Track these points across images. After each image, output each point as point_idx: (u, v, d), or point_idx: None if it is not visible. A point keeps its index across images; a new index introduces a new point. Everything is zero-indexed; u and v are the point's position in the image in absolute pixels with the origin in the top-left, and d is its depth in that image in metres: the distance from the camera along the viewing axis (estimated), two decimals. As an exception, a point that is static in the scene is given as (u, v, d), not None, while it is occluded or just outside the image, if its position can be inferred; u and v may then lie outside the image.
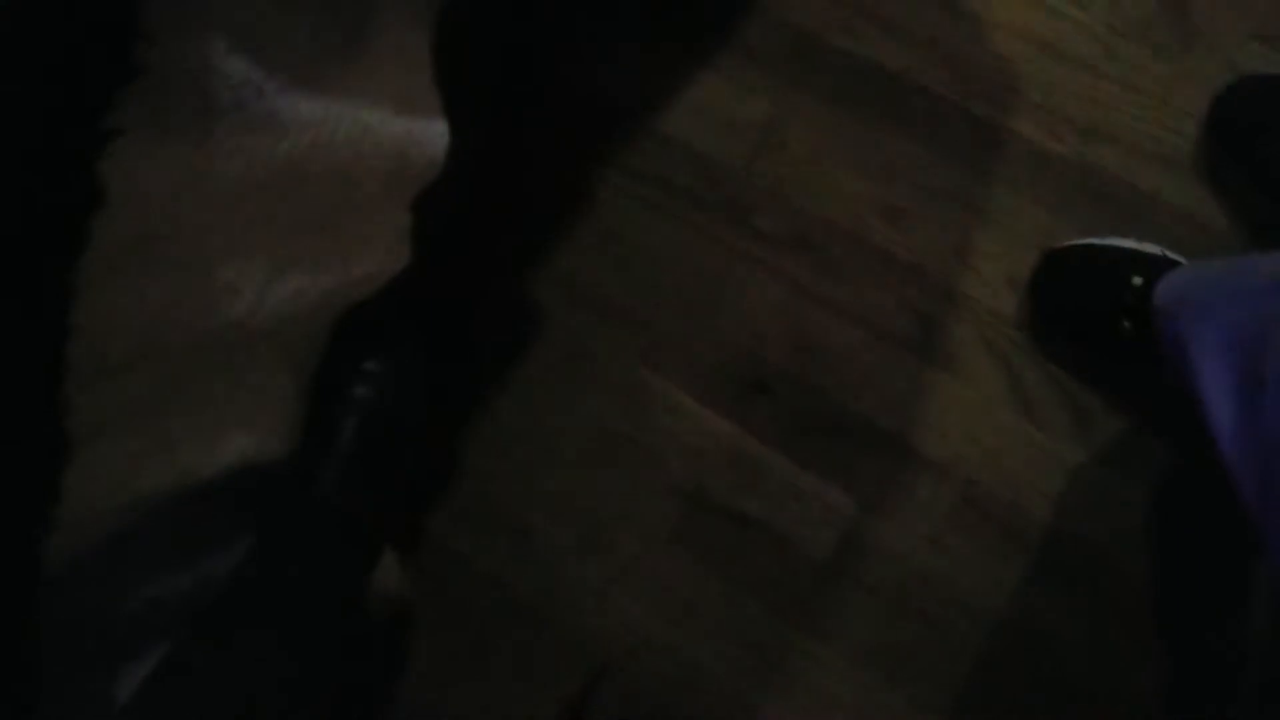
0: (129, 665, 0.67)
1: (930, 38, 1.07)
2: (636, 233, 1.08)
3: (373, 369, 0.76)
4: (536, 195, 1.10)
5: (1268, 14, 1.02)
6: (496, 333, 1.07)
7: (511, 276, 1.08)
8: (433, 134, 0.74)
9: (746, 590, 0.99)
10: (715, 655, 0.98)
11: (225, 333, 0.63)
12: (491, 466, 1.04)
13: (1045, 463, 0.96)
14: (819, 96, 1.08)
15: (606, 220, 1.09)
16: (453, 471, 1.04)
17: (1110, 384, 0.96)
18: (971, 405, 0.99)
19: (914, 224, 1.03)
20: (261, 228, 0.64)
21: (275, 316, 0.65)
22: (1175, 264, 0.91)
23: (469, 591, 1.02)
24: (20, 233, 0.52)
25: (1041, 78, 1.04)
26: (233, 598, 0.65)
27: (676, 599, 1.00)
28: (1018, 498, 0.96)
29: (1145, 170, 1.01)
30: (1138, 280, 0.90)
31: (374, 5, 0.70)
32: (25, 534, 0.54)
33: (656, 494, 1.02)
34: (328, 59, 0.66)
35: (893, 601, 0.96)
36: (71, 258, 0.54)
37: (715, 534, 1.00)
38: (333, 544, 0.71)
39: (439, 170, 0.76)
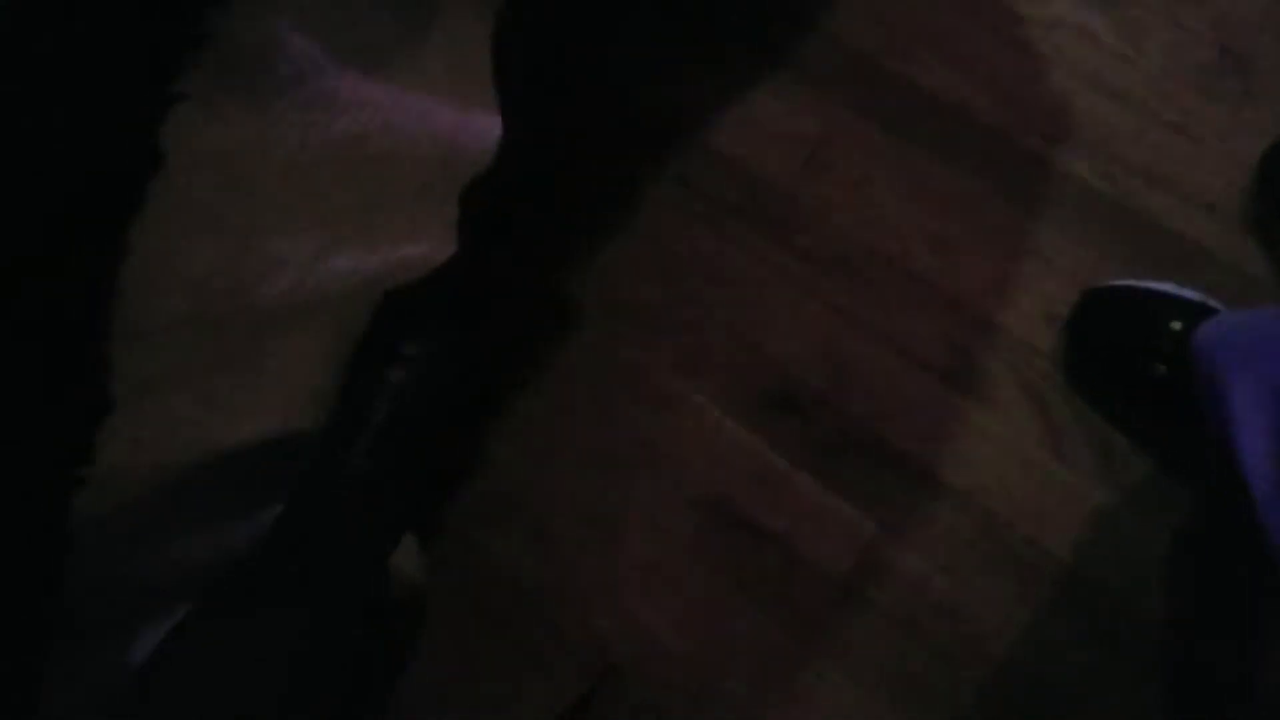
0: (146, 629, 0.68)
1: (988, 70, 1.07)
2: (680, 243, 1.08)
3: (409, 353, 0.77)
4: (584, 198, 1.11)
5: (1328, 71, 1.01)
6: (533, 330, 1.08)
7: (553, 276, 1.09)
8: (486, 126, 0.75)
9: (760, 604, 0.99)
10: (723, 666, 0.98)
11: (269, 304, 0.64)
12: (516, 461, 1.05)
13: (1069, 500, 0.96)
14: (871, 120, 1.09)
15: (652, 229, 1.09)
16: (477, 463, 1.05)
17: (1140, 427, 0.96)
18: (1000, 438, 0.98)
19: (957, 253, 1.03)
20: (313, 204, 0.65)
21: (319, 293, 0.66)
22: (1214, 311, 0.90)
23: (483, 582, 1.03)
24: (78, 190, 0.53)
25: (1096, 117, 1.04)
26: (254, 569, 0.66)
27: (690, 607, 1.00)
28: (1038, 533, 0.96)
29: (1192, 217, 1.00)
30: (1176, 325, 0.90)
31: None
32: (55, 490, 0.56)
33: (679, 501, 1.02)
34: (390, 44, 0.67)
35: (905, 628, 0.96)
36: (125, 218, 0.55)
37: (734, 546, 1.00)
38: (357, 522, 0.71)
39: (489, 163, 0.76)
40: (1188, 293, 0.94)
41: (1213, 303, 0.92)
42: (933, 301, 1.03)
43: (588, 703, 0.98)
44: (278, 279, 0.64)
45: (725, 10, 1.14)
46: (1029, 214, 1.03)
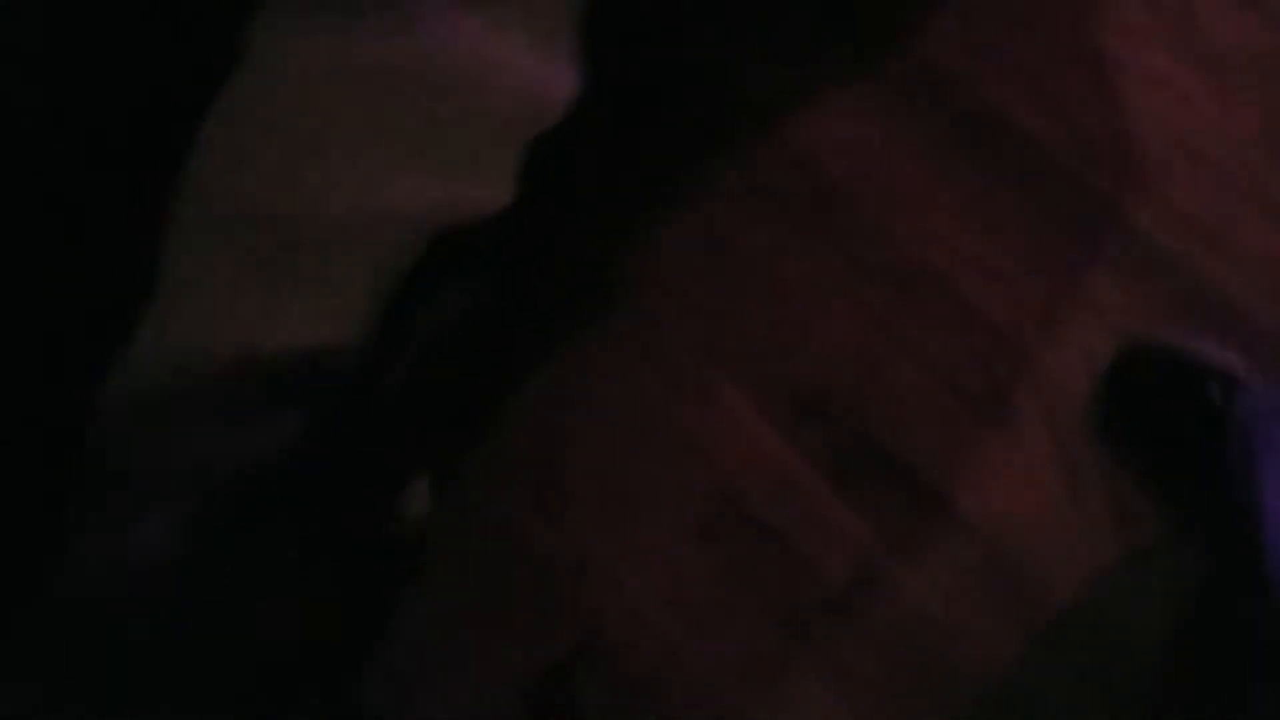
0: (156, 514, 0.69)
1: (1073, 110, 1.07)
2: (734, 232, 1.08)
3: (455, 291, 0.77)
4: (648, 173, 1.11)
5: None
6: (576, 297, 1.08)
7: (603, 246, 1.08)
8: (563, 82, 0.75)
9: (755, 601, 0.99)
10: (708, 654, 0.98)
11: (324, 219, 0.64)
12: (539, 424, 1.05)
13: (1078, 548, 0.95)
14: (946, 140, 1.08)
15: (709, 214, 1.09)
16: (501, 421, 1.05)
17: (1162, 486, 0.95)
18: (1018, 475, 0.98)
19: (1008, 284, 1.03)
20: (380, 125, 0.66)
21: (375, 216, 0.66)
22: (1253, 382, 0.90)
23: (487, 538, 1.03)
24: (157, 81, 0.54)
25: (1172, 174, 1.03)
26: (272, 477, 0.66)
27: (685, 592, 1.00)
28: (1043, 576, 0.95)
29: (1248, 286, 0.99)
30: (1214, 391, 0.89)
31: None
32: (90, 362, 0.56)
33: (691, 488, 1.02)
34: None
35: (894, 647, 0.95)
36: (198, 113, 0.56)
37: (738, 540, 1.00)
38: (376, 448, 0.72)
39: (559, 118, 0.76)
40: (1231, 361, 0.93)
41: (1253, 373, 0.92)
42: (975, 327, 1.02)
43: (567, 673, 0.99)
44: (336, 195, 0.65)
45: (825, 13, 1.13)
46: (1087, 257, 1.02)
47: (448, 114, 0.69)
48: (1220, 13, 1.07)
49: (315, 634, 0.79)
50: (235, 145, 0.58)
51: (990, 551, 0.96)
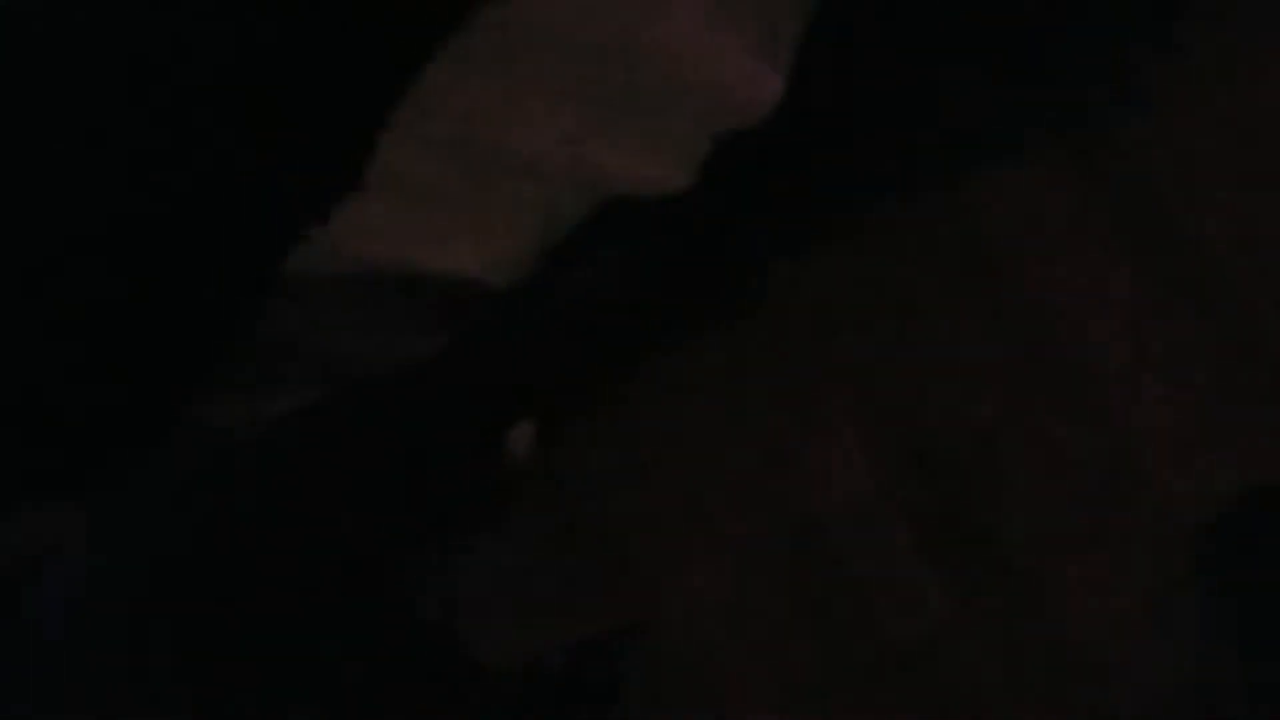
0: (284, 398, 0.72)
1: (1261, 231, 1.03)
2: (891, 276, 1.07)
3: (611, 258, 0.79)
4: (827, 196, 1.10)
5: None
6: (725, 292, 1.08)
7: (761, 256, 1.08)
8: (770, 86, 0.76)
9: (812, 634, 0.99)
10: (750, 676, 0.98)
11: (510, 160, 0.67)
12: (648, 404, 1.06)
13: (1148, 671, 0.93)
14: (1129, 235, 1.05)
15: (872, 247, 1.08)
16: (617, 393, 1.06)
17: (1254, 636, 0.92)
18: (1106, 584, 0.96)
19: (1152, 390, 1.00)
20: (581, 85, 0.68)
21: (561, 169, 0.69)
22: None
23: (571, 499, 1.05)
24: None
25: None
26: (403, 382, 0.69)
27: (743, 610, 1.00)
28: (1110, 685, 0.93)
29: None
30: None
31: None
32: (292, 229, 0.60)
33: (779, 505, 1.02)
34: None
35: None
36: (432, 39, 0.58)
37: (811, 570, 1.00)
38: (505, 378, 0.74)
39: (756, 120, 0.78)
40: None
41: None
42: (1106, 424, 1.00)
43: (610, 647, 1.00)
44: (526, 140, 0.67)
45: (1051, 79, 1.11)
46: (1237, 387, 0.99)
47: (650, 89, 0.70)
48: None
49: (394, 540, 0.82)
50: (458, 76, 0.60)
51: (1058, 650, 0.95)
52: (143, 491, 0.63)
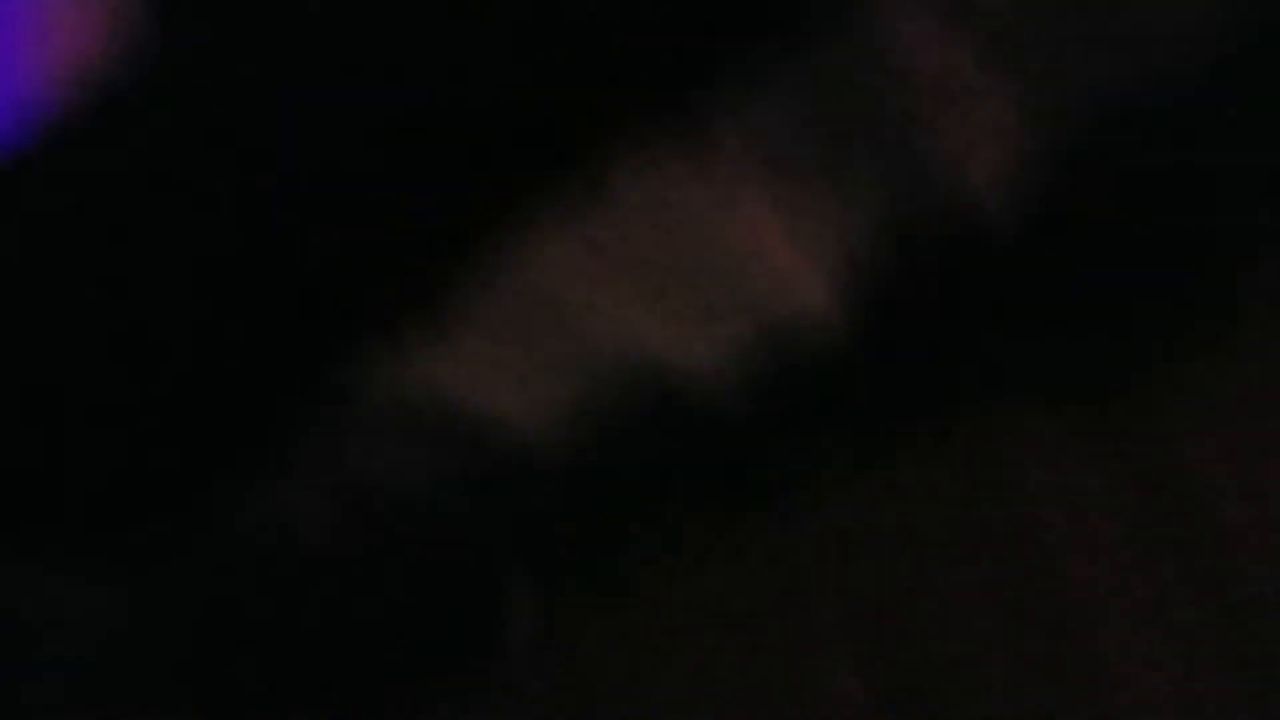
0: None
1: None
2: (918, 519, 1.05)
3: (643, 439, 0.81)
4: (862, 430, 1.09)
5: None
6: (744, 488, 1.08)
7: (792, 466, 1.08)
8: (820, 292, 0.80)
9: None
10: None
11: (576, 322, 0.70)
12: (645, 592, 1.04)
13: None
14: (1158, 532, 1.04)
15: (894, 483, 1.07)
16: (614, 581, 1.04)
17: None
18: None
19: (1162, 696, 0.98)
20: (653, 274, 0.71)
21: (616, 343, 0.71)
22: None
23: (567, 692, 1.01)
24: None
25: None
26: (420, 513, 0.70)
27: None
28: None
29: None
30: None
31: None
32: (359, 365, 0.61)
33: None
34: (797, 187, 0.73)
35: None
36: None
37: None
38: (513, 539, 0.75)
39: (807, 323, 0.81)
40: None
41: None
42: (1101, 679, 0.98)
43: None
44: (591, 307, 0.70)
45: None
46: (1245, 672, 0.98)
47: (711, 277, 0.74)
48: None
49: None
50: (541, 233, 0.63)
51: None
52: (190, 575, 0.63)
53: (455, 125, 0.59)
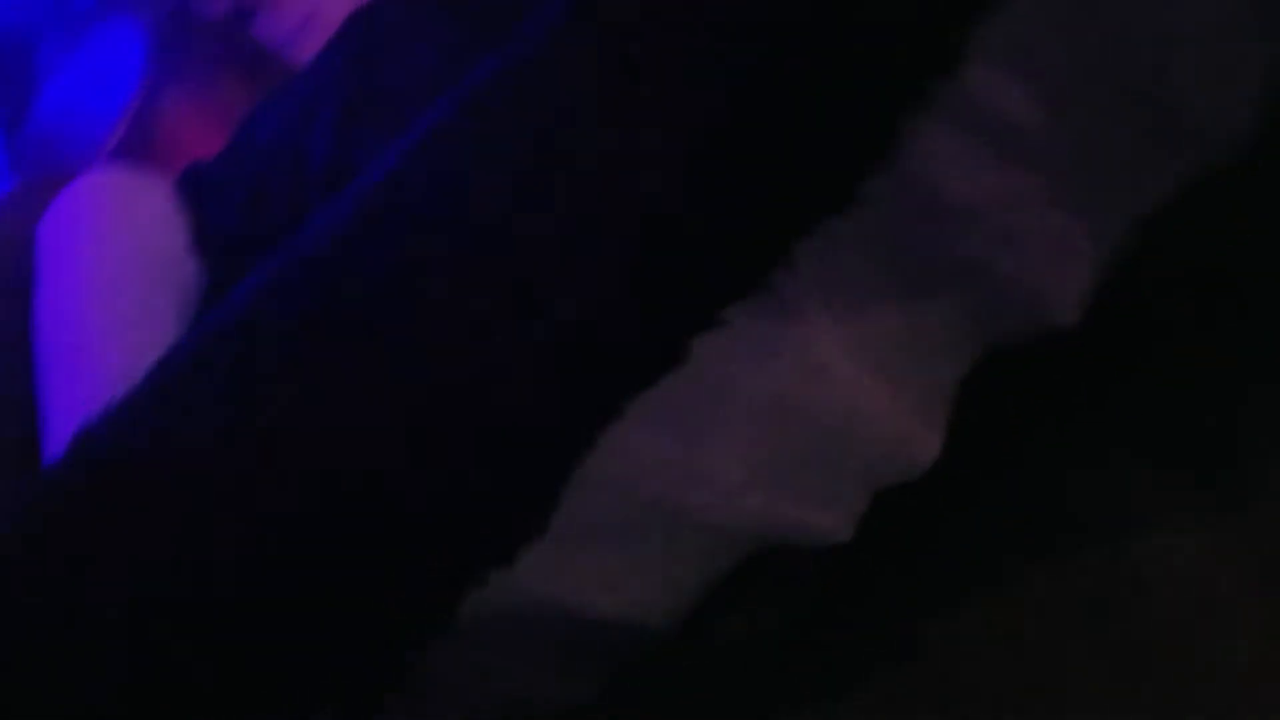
0: None
1: None
2: (1036, 638, 1.04)
3: (759, 607, 0.80)
4: (963, 558, 1.09)
5: None
6: (865, 647, 1.07)
7: (908, 608, 1.07)
8: (927, 445, 0.79)
9: None
10: None
11: (682, 509, 0.69)
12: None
13: None
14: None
15: (1011, 610, 1.06)
16: None
17: None
18: None
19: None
20: (755, 441, 0.71)
21: (725, 521, 0.71)
22: None
23: None
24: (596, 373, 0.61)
25: None
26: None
27: None
28: None
29: None
30: None
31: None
32: (467, 577, 0.62)
33: None
34: (879, 335, 0.73)
35: None
36: (630, 395, 0.62)
37: None
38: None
39: (915, 476, 0.80)
40: None
41: None
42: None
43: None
44: (697, 493, 0.70)
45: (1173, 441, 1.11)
46: None
47: (815, 449, 0.73)
48: None
49: None
50: (639, 427, 0.64)
51: None
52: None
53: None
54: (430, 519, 0.60)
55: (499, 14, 0.74)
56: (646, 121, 0.59)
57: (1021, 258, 0.65)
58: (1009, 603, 1.04)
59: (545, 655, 0.71)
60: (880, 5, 0.59)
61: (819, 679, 1.01)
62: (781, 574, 0.83)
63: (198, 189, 1.03)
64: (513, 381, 0.57)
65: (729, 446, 0.69)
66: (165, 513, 0.59)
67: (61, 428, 0.87)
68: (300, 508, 0.59)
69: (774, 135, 0.60)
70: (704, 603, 0.79)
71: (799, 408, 0.71)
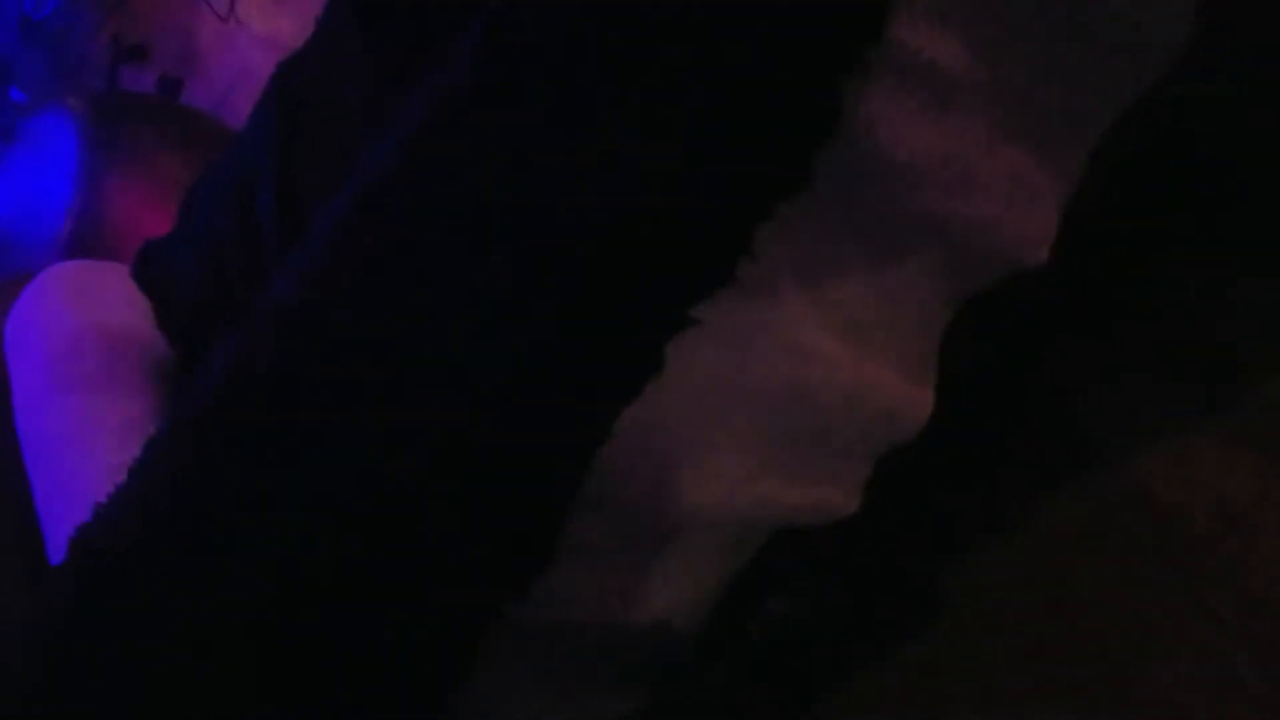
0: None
1: None
2: (1067, 572, 1.05)
3: (784, 592, 0.79)
4: (984, 504, 1.09)
5: None
6: (896, 611, 1.06)
7: (928, 569, 1.07)
8: (920, 402, 0.78)
9: None
10: None
11: (697, 511, 0.69)
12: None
13: None
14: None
15: (1039, 547, 1.06)
16: None
17: None
18: None
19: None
20: (754, 430, 0.70)
21: (740, 512, 0.70)
22: None
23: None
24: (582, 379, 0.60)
25: None
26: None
27: None
28: None
29: None
30: None
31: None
32: (482, 617, 0.62)
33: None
34: (862, 312, 0.72)
35: None
36: (617, 408, 0.61)
37: None
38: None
39: (913, 435, 0.79)
40: None
41: None
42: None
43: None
44: (709, 493, 0.69)
45: (1178, 356, 1.12)
46: None
47: (814, 428, 0.73)
48: None
49: None
50: (636, 435, 0.63)
51: None
52: None
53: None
54: (436, 564, 0.59)
55: (419, 38, 0.73)
56: (590, 134, 0.59)
57: (978, 204, 0.65)
58: (1028, 535, 1.04)
59: (587, 672, 0.70)
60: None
61: (856, 650, 1.01)
62: (801, 557, 0.82)
63: (154, 268, 1.02)
64: (494, 419, 0.57)
65: (728, 442, 0.69)
66: (171, 606, 0.58)
67: (58, 522, 0.86)
68: (306, 576, 0.58)
69: (719, 124, 0.60)
70: (734, 596, 0.79)
71: (789, 390, 0.70)
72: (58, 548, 0.78)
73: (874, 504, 0.82)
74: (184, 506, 0.63)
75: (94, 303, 1.03)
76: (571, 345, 0.57)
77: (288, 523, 0.60)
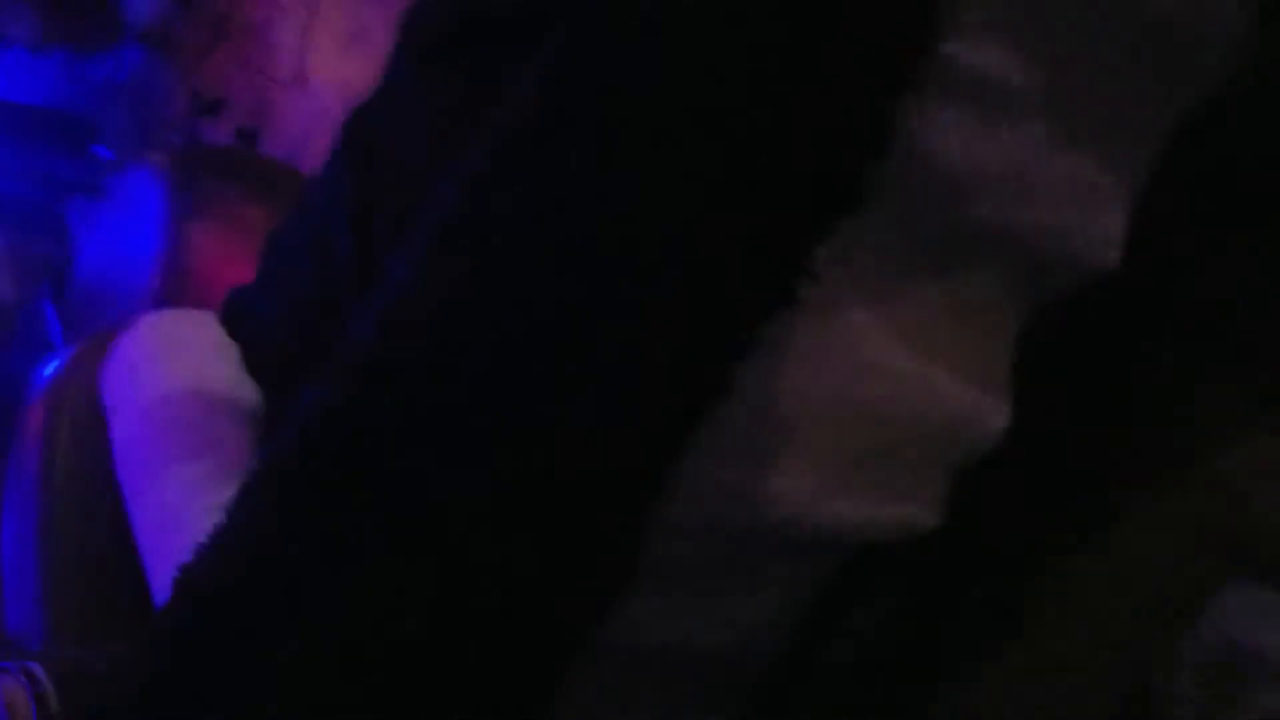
0: None
1: None
2: (1151, 570, 1.03)
3: (868, 606, 0.79)
4: (1071, 514, 1.08)
5: None
6: (978, 623, 1.06)
7: (1015, 575, 1.06)
8: (997, 413, 0.78)
9: None
10: None
11: (766, 531, 0.69)
12: None
13: None
14: None
15: (1124, 548, 1.05)
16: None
17: None
18: None
19: None
20: (826, 447, 0.71)
21: (812, 530, 0.71)
22: None
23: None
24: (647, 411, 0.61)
25: None
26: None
27: None
28: None
29: None
30: None
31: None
32: (565, 641, 0.63)
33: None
34: (932, 321, 0.72)
35: None
36: (691, 429, 0.62)
37: None
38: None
39: (990, 446, 0.79)
40: None
41: None
42: None
43: None
44: (775, 512, 0.69)
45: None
46: None
47: (885, 442, 0.73)
48: None
49: None
50: (708, 460, 0.64)
51: None
52: None
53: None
54: (519, 596, 0.60)
55: (476, 78, 0.75)
56: (650, 165, 0.60)
57: (1040, 211, 0.65)
58: (1122, 540, 1.02)
59: (671, 695, 0.71)
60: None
61: (942, 665, 1.00)
62: (885, 571, 0.82)
63: (240, 315, 1.06)
64: (572, 449, 0.58)
65: (800, 460, 0.69)
66: (267, 644, 0.60)
67: (160, 563, 0.90)
68: (393, 612, 0.60)
69: (774, 148, 0.60)
70: (817, 613, 0.79)
71: (858, 406, 0.70)
72: (161, 585, 0.81)
73: (958, 518, 0.82)
74: (273, 550, 0.65)
75: (187, 351, 1.07)
76: (642, 373, 0.58)
77: (373, 564, 0.62)
